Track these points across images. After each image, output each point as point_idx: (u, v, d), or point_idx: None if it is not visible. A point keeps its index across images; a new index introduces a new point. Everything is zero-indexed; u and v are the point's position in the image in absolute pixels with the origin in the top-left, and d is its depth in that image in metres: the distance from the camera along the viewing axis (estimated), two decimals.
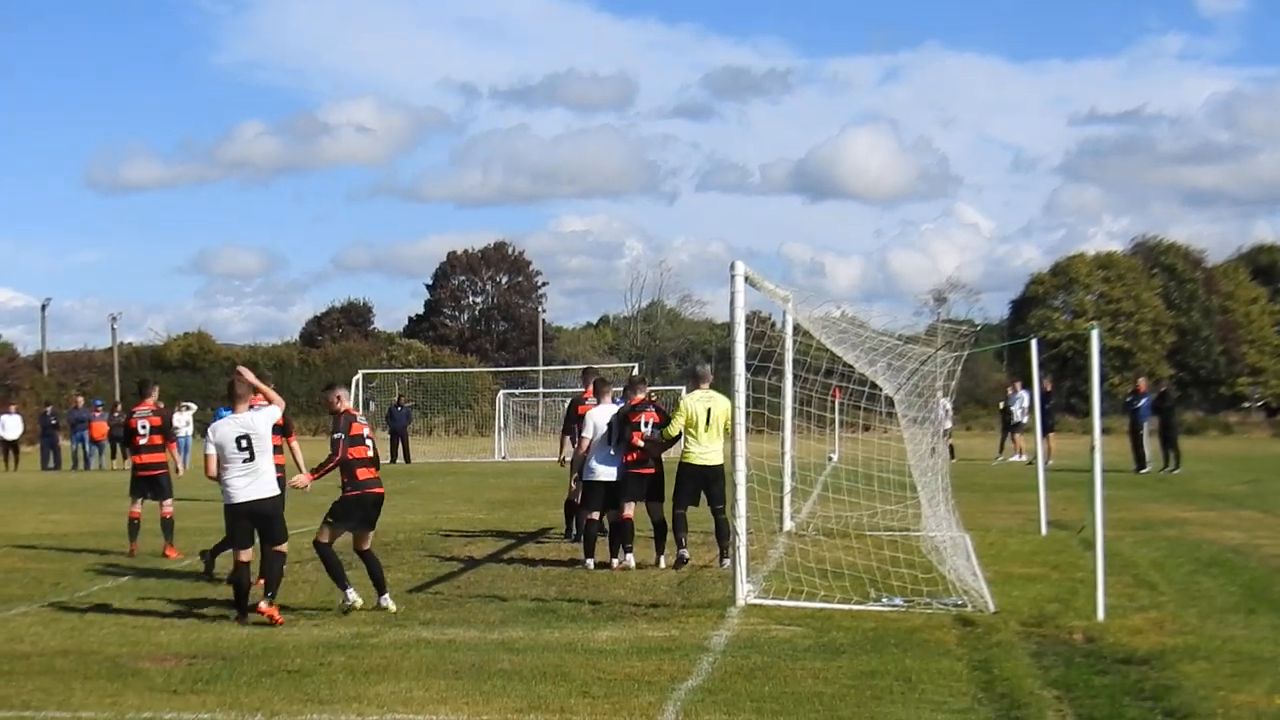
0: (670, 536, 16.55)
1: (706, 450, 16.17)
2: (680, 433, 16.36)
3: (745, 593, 13.58)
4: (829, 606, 13.24)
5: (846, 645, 11.56)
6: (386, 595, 13.68)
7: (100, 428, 44.03)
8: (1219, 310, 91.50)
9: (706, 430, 16.09)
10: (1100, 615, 12.41)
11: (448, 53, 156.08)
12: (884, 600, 13.63)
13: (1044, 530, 19.27)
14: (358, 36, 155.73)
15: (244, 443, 13.21)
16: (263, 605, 12.99)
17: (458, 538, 20.27)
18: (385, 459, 16.86)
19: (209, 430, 13.71)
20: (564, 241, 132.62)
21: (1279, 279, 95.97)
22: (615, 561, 16.63)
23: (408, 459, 45.19)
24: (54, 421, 46.65)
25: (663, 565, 16.50)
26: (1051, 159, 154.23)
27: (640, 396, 17.17)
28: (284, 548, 13.44)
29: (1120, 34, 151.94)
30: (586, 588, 15.06)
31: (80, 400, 49.21)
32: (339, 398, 14.09)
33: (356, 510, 13.66)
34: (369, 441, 13.78)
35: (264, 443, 13.36)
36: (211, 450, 13.46)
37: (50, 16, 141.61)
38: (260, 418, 13.47)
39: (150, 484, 18.38)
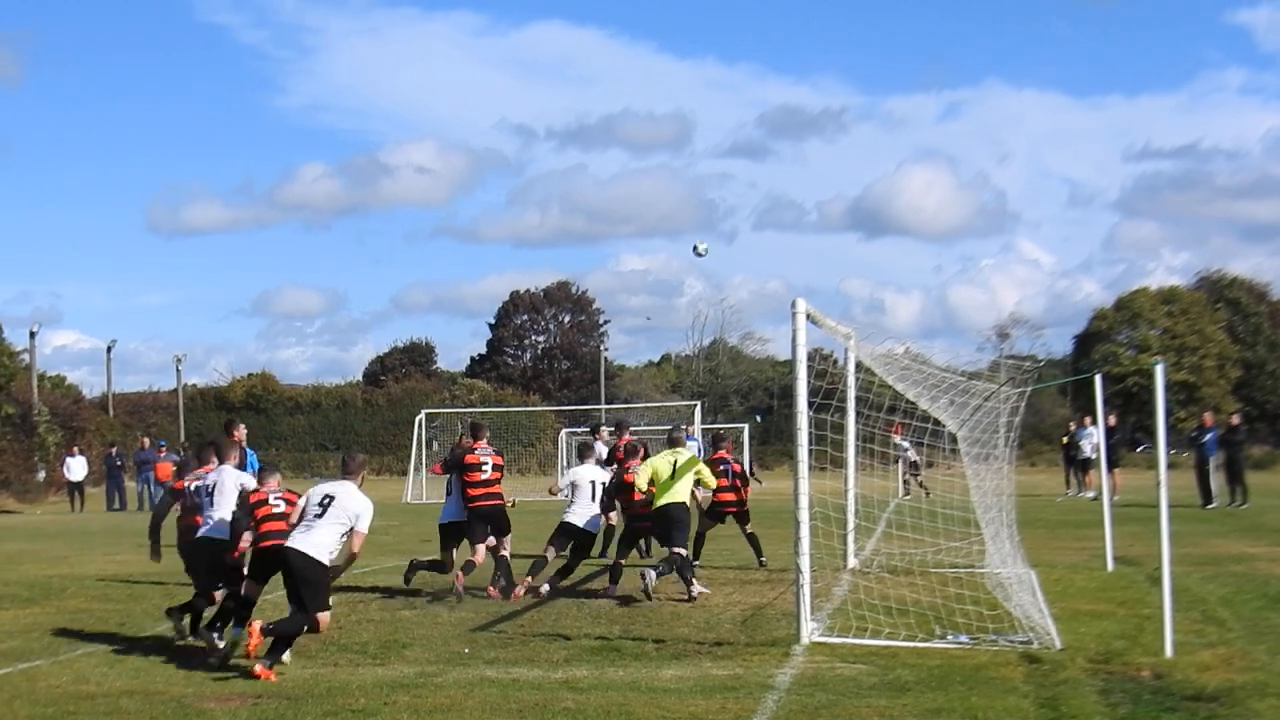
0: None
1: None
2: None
3: (810, 631, 13.53)
4: (894, 644, 13.17)
5: (912, 683, 11.49)
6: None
7: (165, 468, 44.09)
8: None
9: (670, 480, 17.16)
10: (1168, 652, 12.28)
11: (505, 94, 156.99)
12: (949, 637, 13.55)
13: (1110, 566, 19.11)
14: (417, 79, 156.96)
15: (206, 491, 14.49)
16: (258, 668, 12.31)
17: (520, 576, 20.20)
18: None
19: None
20: (624, 280, 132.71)
21: None
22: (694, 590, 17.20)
23: None
24: (119, 463, 47.17)
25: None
26: (1109, 194, 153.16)
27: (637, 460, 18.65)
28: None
29: (1181, 69, 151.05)
30: (650, 626, 15.05)
31: (146, 441, 49.63)
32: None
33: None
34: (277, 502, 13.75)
35: (224, 496, 14.27)
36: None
37: (112, 61, 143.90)
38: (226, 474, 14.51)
39: None
